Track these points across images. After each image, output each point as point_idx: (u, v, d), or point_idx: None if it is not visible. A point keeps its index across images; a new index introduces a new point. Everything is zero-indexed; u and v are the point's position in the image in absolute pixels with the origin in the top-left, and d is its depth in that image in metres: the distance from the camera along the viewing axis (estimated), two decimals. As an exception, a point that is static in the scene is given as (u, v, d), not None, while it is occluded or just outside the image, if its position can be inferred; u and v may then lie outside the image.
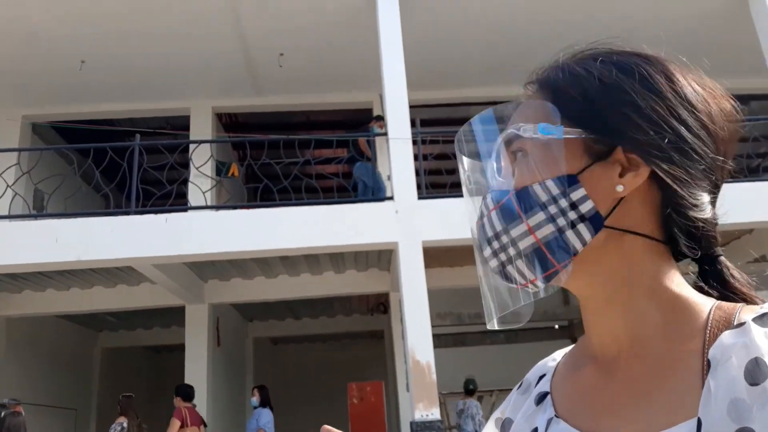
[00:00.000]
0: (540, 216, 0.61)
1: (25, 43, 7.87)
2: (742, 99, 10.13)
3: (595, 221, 0.60)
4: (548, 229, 0.61)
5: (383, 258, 8.29)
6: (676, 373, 0.57)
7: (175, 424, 6.60)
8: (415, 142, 6.79)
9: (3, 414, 5.75)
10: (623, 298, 0.62)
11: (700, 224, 0.63)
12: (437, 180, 8.06)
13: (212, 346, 8.99)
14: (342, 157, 7.49)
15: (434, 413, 6.10)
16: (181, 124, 9.56)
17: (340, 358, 14.65)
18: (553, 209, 0.61)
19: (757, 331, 0.53)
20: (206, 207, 7.12)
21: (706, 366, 0.54)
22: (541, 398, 0.70)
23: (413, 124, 6.80)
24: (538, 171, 0.63)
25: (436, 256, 7.49)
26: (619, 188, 0.61)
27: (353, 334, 13.82)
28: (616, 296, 0.62)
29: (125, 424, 6.74)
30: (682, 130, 0.61)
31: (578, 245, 0.60)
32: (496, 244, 0.63)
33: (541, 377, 0.74)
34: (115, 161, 6.85)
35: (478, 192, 0.70)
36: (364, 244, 6.55)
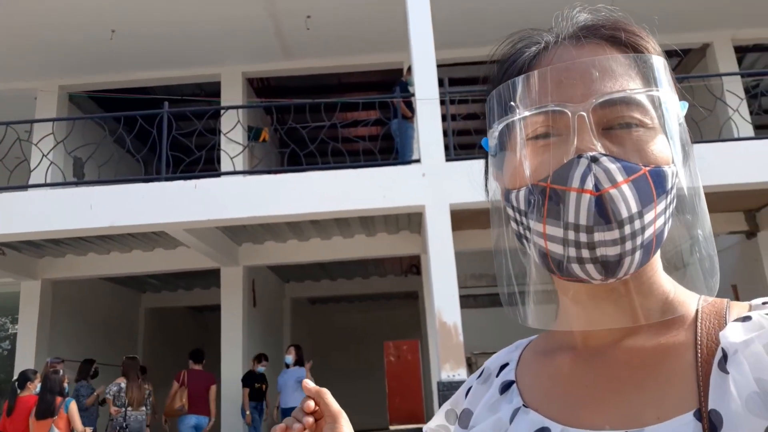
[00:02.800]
0: (662, 204, 0.53)
1: (58, 15, 7.99)
2: None
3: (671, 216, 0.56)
4: (662, 220, 0.54)
5: (414, 221, 8.28)
6: (667, 366, 0.54)
7: (174, 385, 7.67)
8: (443, 103, 6.67)
9: (44, 372, 6.07)
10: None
11: None
12: (465, 141, 7.92)
13: (248, 306, 9.22)
14: (370, 119, 7.42)
15: (461, 374, 6.15)
16: (214, 90, 9.63)
17: (377, 318, 14.88)
18: (669, 198, 0.54)
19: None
20: (235, 172, 7.21)
21: (722, 357, 0.51)
22: (505, 387, 0.67)
23: (441, 83, 6.67)
24: (668, 151, 0.55)
25: (469, 218, 7.42)
26: None
27: (388, 295, 13.98)
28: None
29: (123, 385, 7.07)
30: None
31: (663, 240, 0.55)
32: (628, 229, 0.51)
33: (503, 366, 0.71)
34: (148, 128, 6.97)
35: (559, 147, 0.55)
36: (391, 208, 6.53)
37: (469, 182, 6.29)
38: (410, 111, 7.36)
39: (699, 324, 0.55)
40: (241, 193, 6.52)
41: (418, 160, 6.47)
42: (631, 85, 0.55)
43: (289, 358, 8.19)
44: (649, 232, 0.52)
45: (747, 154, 6.24)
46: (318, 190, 6.43)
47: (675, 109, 0.57)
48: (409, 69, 7.87)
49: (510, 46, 0.66)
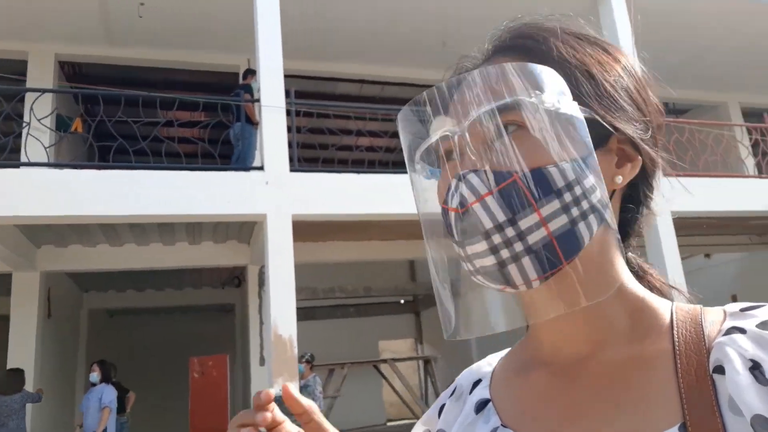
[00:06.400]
0: (554, 204, 0.51)
1: None
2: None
3: (600, 214, 0.53)
4: (561, 221, 0.51)
5: (245, 230, 7.99)
6: (646, 379, 0.53)
7: None
8: (288, 113, 6.57)
9: None
10: None
11: (640, 219, 0.63)
12: (310, 154, 7.86)
13: (42, 317, 8.12)
14: (208, 121, 7.03)
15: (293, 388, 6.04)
16: (16, 69, 8.38)
17: (186, 331, 14.02)
18: (568, 197, 0.52)
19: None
20: (47, 164, 6.35)
21: (753, 365, 0.48)
22: (480, 406, 0.64)
23: (287, 94, 6.57)
24: (550, 151, 0.53)
25: (298, 229, 7.35)
26: (618, 179, 0.57)
27: (199, 308, 13.27)
28: None
29: None
30: (656, 121, 0.60)
31: (586, 239, 0.52)
32: (497, 238, 0.51)
33: (476, 383, 0.68)
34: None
35: (436, 173, 0.58)
36: (229, 215, 6.25)
37: (312, 194, 6.27)
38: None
39: (675, 332, 0.54)
40: (51, 188, 5.76)
41: (261, 168, 6.27)
42: (508, 95, 0.54)
43: (95, 375, 7.36)
44: (535, 237, 0.51)
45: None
46: (144, 191, 5.92)
47: (564, 106, 0.54)
48: (247, 72, 7.63)
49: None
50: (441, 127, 0.56)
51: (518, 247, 0.51)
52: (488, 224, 0.51)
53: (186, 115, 9.11)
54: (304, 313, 12.92)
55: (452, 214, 0.53)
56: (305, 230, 7.59)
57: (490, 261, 0.52)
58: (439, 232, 0.57)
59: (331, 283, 11.21)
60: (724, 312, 0.55)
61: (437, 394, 10.24)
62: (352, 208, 6.41)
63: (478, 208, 0.52)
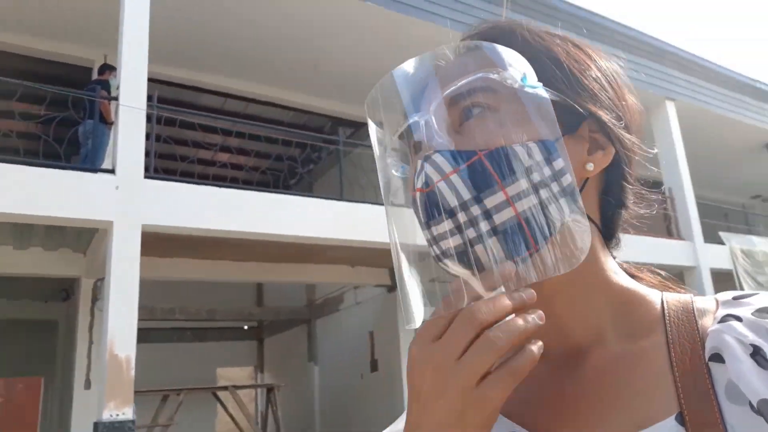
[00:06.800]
0: (521, 184, 0.50)
1: None
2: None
3: (574, 199, 0.52)
4: (530, 201, 0.50)
5: (83, 237, 7.27)
6: (641, 369, 0.53)
7: None
8: (149, 118, 6.15)
9: None
10: (577, 291, 0.56)
11: (621, 216, 0.62)
12: (167, 165, 7.34)
13: None
14: (53, 115, 6.36)
15: (126, 413, 5.55)
16: None
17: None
18: (536, 177, 0.50)
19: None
20: None
21: (753, 351, 0.48)
22: None
23: (150, 98, 6.16)
24: (516, 130, 0.52)
25: (143, 242, 6.87)
26: (590, 166, 0.56)
27: (16, 322, 11.79)
28: (569, 288, 0.56)
29: None
30: (633, 119, 0.60)
31: (558, 224, 0.51)
32: (462, 217, 0.49)
33: None
34: None
35: (405, 158, 0.57)
36: (69, 218, 5.66)
37: (167, 204, 5.88)
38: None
39: (667, 321, 0.54)
40: None
41: (112, 171, 5.79)
42: (470, 73, 0.54)
43: None
44: (502, 216, 0.50)
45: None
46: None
47: (528, 85, 0.54)
48: (104, 68, 7.06)
49: None
50: (405, 118, 0.55)
51: (484, 226, 0.49)
52: (453, 202, 0.50)
53: (24, 106, 8.21)
54: (138, 335, 12.03)
55: (418, 195, 0.52)
56: (151, 243, 7.09)
57: (456, 241, 0.50)
58: (406, 222, 0.55)
59: (172, 304, 10.54)
60: (717, 301, 0.55)
61: (278, 423, 9.93)
62: (209, 222, 6.12)
63: (443, 187, 0.50)
